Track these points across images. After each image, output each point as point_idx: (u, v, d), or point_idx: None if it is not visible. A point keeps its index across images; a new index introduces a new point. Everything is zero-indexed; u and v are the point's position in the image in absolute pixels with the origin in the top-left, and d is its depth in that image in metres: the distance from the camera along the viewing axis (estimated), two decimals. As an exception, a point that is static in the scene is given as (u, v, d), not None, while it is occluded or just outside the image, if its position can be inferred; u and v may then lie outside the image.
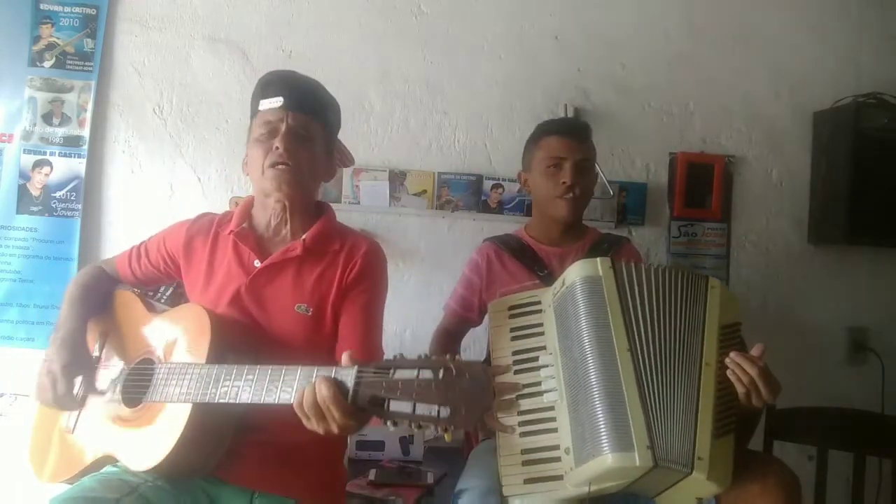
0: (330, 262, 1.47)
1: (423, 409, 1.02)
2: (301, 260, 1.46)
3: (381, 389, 1.06)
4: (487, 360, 1.69)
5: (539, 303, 1.59)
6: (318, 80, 1.55)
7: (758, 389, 1.38)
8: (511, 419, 1.45)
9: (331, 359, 1.42)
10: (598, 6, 2.40)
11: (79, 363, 1.41)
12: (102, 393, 1.42)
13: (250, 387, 1.19)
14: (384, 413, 1.05)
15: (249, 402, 1.19)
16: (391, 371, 1.07)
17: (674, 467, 1.30)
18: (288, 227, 1.49)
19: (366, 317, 1.46)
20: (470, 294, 1.87)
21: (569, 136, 1.81)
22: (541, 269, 1.77)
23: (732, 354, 1.41)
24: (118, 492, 1.24)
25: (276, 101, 1.44)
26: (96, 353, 1.48)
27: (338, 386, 1.11)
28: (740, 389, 1.40)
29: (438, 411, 1.02)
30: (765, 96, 2.43)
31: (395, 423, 1.05)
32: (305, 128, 1.45)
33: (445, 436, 1.03)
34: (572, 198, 1.77)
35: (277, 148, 1.42)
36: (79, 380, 1.41)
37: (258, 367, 1.21)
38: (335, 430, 1.13)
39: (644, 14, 2.41)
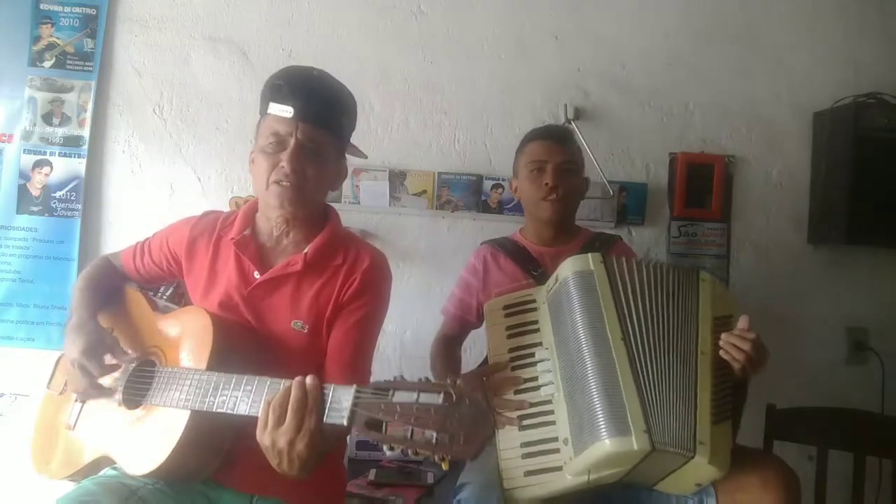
0: (330, 278, 1.42)
1: (420, 434, 1.00)
2: (301, 275, 1.42)
3: (379, 412, 1.03)
4: (487, 361, 1.70)
5: (534, 301, 1.62)
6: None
7: (752, 361, 1.44)
8: (512, 413, 1.47)
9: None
10: (598, 6, 2.40)
11: (99, 342, 1.38)
12: (105, 392, 1.41)
13: (248, 398, 1.18)
14: (381, 437, 1.03)
15: (247, 413, 1.17)
16: (390, 393, 1.05)
17: (674, 451, 1.32)
18: (290, 237, 1.45)
19: (357, 335, 1.42)
20: (468, 297, 1.88)
21: (549, 139, 1.86)
22: (535, 269, 1.79)
23: (724, 335, 1.45)
24: (118, 495, 1.24)
25: (286, 111, 1.35)
26: None
27: (321, 401, 1.10)
28: (736, 366, 1.44)
29: (436, 438, 0.99)
30: (765, 96, 2.43)
31: (391, 448, 1.03)
32: (316, 142, 1.38)
33: (442, 464, 1.01)
34: (555, 199, 1.79)
35: (283, 167, 1.35)
36: (108, 357, 1.38)
37: (257, 378, 1.20)
38: (283, 441, 1.10)
39: (644, 14, 2.41)
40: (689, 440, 1.33)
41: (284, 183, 1.36)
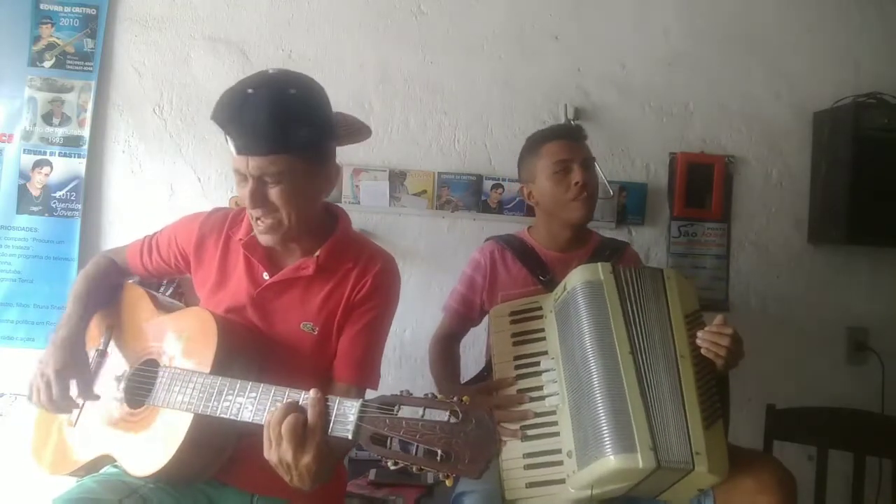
0: (340, 281, 1.41)
1: (425, 452, 1.00)
2: (311, 278, 1.41)
3: (385, 427, 1.03)
4: (489, 364, 1.70)
5: (540, 308, 1.60)
6: (307, 77, 1.33)
7: (733, 354, 1.44)
8: (514, 424, 1.46)
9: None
10: (598, 6, 2.40)
11: (75, 366, 1.38)
12: (108, 389, 1.42)
13: (252, 405, 1.18)
14: (386, 452, 1.02)
15: (251, 420, 1.17)
16: (395, 408, 1.04)
17: (676, 466, 1.31)
18: (297, 243, 1.43)
19: (366, 338, 1.41)
20: (472, 293, 1.85)
21: (569, 138, 1.81)
22: (543, 274, 1.76)
23: (700, 333, 1.45)
24: (118, 493, 1.24)
25: (234, 149, 1.28)
26: (101, 348, 1.47)
27: (325, 415, 1.09)
28: (718, 362, 1.45)
29: (441, 456, 0.99)
30: (765, 96, 2.43)
31: (395, 464, 1.02)
32: (271, 172, 1.27)
33: (446, 481, 1.01)
34: (586, 197, 1.76)
35: (248, 209, 1.33)
36: (73, 383, 1.37)
37: (262, 384, 1.19)
38: (289, 456, 1.09)
39: (644, 14, 2.41)
40: (686, 452, 1.32)
41: (259, 223, 1.34)
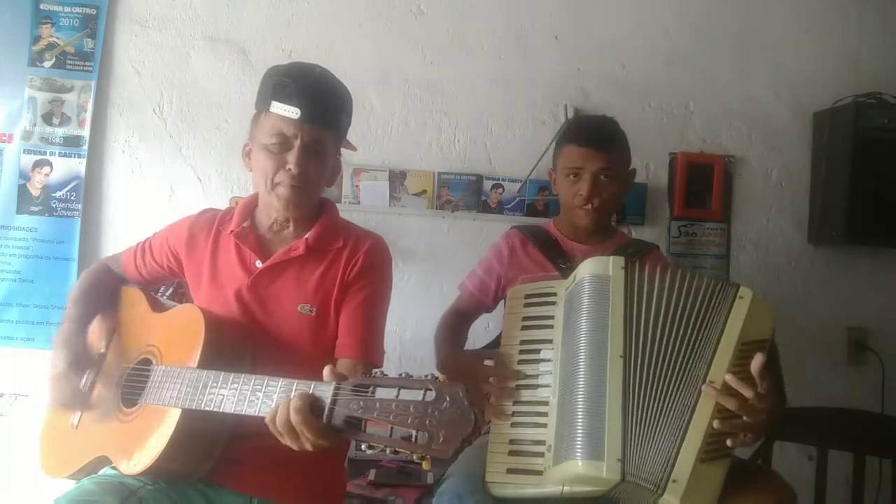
0: (333, 260, 1.45)
1: (399, 433, 0.98)
2: (304, 259, 1.44)
3: (358, 409, 1.01)
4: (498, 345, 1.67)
5: (555, 294, 1.53)
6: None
7: (752, 428, 1.29)
8: (503, 404, 1.43)
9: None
10: (598, 6, 2.40)
11: (82, 360, 1.42)
12: (106, 391, 1.42)
13: (234, 395, 1.18)
14: (359, 434, 1.01)
15: (233, 411, 1.17)
16: (370, 389, 1.03)
17: (643, 485, 1.26)
18: (290, 228, 1.48)
19: (365, 313, 1.43)
20: (488, 278, 1.83)
21: (587, 144, 1.71)
22: (564, 262, 1.72)
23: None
24: (117, 495, 1.24)
25: (293, 112, 1.35)
26: (102, 351, 1.48)
27: (311, 402, 1.07)
28: (745, 439, 1.30)
29: (415, 437, 0.97)
30: (765, 96, 2.43)
31: (370, 447, 1.01)
32: (320, 142, 1.40)
33: (423, 462, 0.99)
34: (591, 209, 1.71)
35: (290, 168, 1.37)
36: (86, 376, 1.42)
37: (243, 375, 1.20)
38: (308, 447, 1.09)
39: (644, 14, 2.41)
40: (662, 476, 1.26)
41: (292, 184, 1.38)
